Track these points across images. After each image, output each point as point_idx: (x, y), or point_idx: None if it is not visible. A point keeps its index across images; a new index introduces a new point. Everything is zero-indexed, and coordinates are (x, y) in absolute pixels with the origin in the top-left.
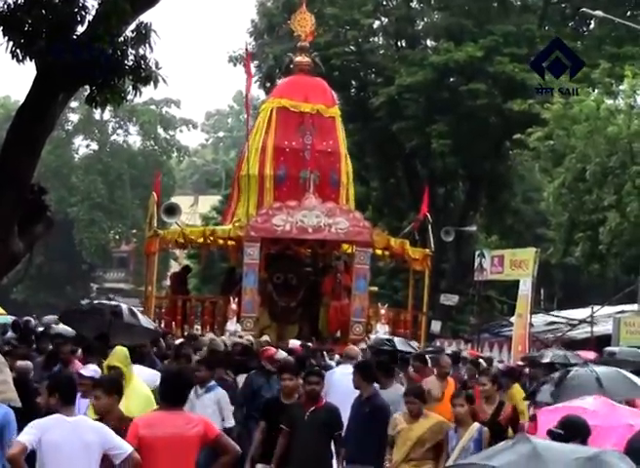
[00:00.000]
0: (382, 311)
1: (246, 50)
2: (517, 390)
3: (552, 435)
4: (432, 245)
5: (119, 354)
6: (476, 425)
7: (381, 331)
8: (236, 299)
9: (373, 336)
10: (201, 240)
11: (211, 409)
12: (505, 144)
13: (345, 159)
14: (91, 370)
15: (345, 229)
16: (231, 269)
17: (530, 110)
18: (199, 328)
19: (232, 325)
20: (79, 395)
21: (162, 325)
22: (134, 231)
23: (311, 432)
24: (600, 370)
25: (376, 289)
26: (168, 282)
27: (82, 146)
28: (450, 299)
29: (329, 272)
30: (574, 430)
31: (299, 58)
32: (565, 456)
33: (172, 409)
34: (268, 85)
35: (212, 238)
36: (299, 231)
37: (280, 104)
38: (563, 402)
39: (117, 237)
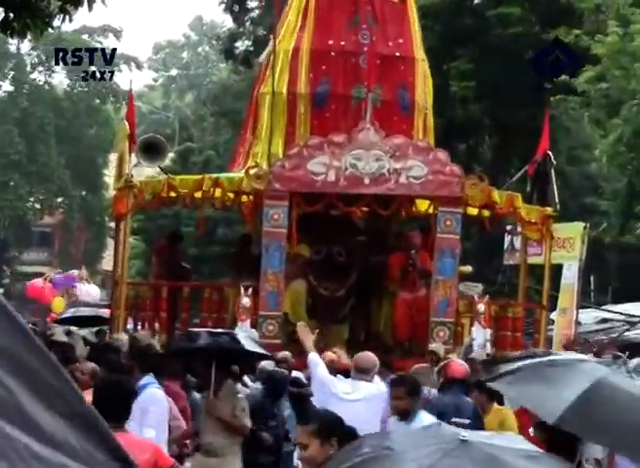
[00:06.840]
0: (481, 306)
1: None
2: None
3: None
4: (556, 201)
5: None
6: None
7: (480, 336)
8: (250, 290)
9: (469, 344)
10: (198, 194)
11: None
12: (546, 87)
13: (422, 67)
14: None
15: (423, 178)
16: (245, 239)
17: (577, 43)
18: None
19: (244, 329)
20: None
21: (140, 324)
22: (60, 199)
23: None
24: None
25: (469, 268)
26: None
27: None
28: (472, 289)
29: (396, 245)
30: None
31: None
32: (512, 451)
33: (117, 428)
34: (237, 9)
35: (215, 191)
36: (349, 182)
37: None
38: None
39: (38, 206)
